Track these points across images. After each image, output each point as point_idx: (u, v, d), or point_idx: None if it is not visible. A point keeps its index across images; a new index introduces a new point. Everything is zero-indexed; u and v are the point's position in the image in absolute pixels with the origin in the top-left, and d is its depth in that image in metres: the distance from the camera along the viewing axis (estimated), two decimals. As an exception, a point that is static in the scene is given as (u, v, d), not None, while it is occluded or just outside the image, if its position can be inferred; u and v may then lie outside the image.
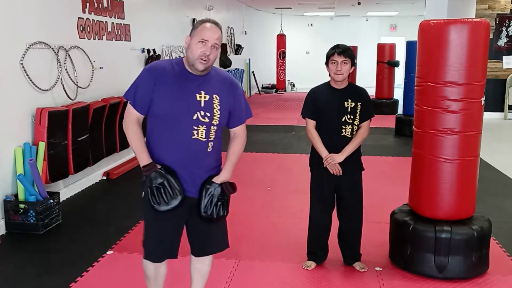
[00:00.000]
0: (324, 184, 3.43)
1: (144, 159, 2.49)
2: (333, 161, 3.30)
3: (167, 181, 2.45)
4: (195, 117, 2.45)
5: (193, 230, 2.64)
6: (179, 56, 8.80)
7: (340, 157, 3.30)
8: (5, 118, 4.28)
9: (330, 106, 3.35)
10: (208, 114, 2.47)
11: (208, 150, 2.53)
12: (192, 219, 2.60)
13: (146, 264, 2.68)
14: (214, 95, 2.49)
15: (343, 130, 3.33)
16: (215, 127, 2.52)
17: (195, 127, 2.46)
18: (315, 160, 3.42)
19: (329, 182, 3.40)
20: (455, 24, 3.17)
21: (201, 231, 2.63)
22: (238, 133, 2.66)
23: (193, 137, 2.47)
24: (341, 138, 3.34)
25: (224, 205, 2.57)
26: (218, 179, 2.55)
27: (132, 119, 2.52)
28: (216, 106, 2.49)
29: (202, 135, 2.48)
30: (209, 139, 2.51)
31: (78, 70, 5.31)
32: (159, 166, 2.47)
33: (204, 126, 2.48)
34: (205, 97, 2.48)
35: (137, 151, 2.51)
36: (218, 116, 2.50)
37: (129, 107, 2.52)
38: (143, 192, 2.53)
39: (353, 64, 3.34)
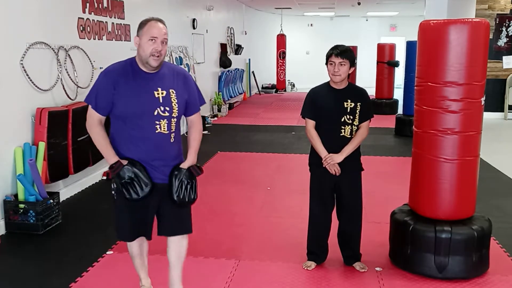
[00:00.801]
0: (323, 184, 3.43)
1: (111, 158, 2.69)
2: (332, 161, 3.30)
3: (135, 175, 2.66)
4: (155, 113, 2.65)
5: (164, 212, 2.83)
6: (178, 57, 8.81)
7: (339, 157, 3.30)
8: (5, 118, 4.28)
9: (329, 106, 3.35)
10: (168, 108, 2.68)
11: (171, 140, 2.75)
12: (164, 203, 2.80)
13: (131, 244, 2.93)
14: (170, 90, 2.70)
15: (343, 130, 3.33)
16: (175, 119, 2.73)
17: (157, 122, 2.67)
18: (315, 160, 3.43)
19: (329, 182, 3.40)
20: (455, 24, 3.17)
21: (171, 213, 2.83)
22: (194, 120, 2.89)
23: (157, 131, 2.67)
24: (340, 138, 3.34)
25: (193, 188, 2.79)
26: (185, 165, 2.78)
27: (94, 121, 2.70)
28: (173, 100, 2.70)
29: (164, 128, 2.69)
30: (171, 131, 2.73)
31: (78, 70, 5.31)
32: (125, 162, 2.67)
33: (165, 119, 2.68)
34: (162, 93, 2.67)
35: (103, 150, 2.71)
36: (177, 108, 2.71)
37: (91, 110, 2.71)
38: (113, 184, 2.76)
39: (353, 65, 3.32)
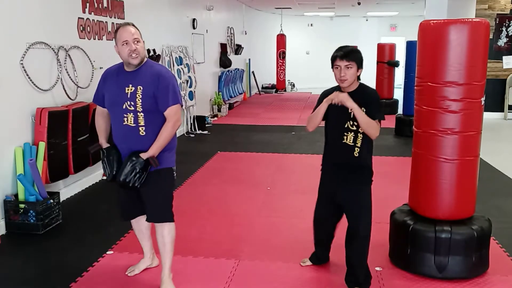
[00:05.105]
0: (324, 189, 3.33)
1: (100, 140, 3.20)
2: (338, 98, 3.00)
3: (106, 160, 3.05)
4: (124, 106, 2.96)
5: (143, 199, 3.13)
6: (178, 57, 8.81)
7: (348, 98, 2.97)
8: (5, 118, 4.28)
9: (334, 111, 3.09)
10: (132, 103, 2.94)
11: (141, 134, 2.98)
12: (141, 191, 3.08)
13: (131, 221, 3.40)
14: (139, 86, 2.95)
15: (345, 137, 3.06)
16: (142, 114, 2.95)
17: (125, 115, 2.96)
18: (323, 165, 3.29)
19: (328, 189, 3.26)
20: (455, 24, 3.17)
21: (148, 201, 3.11)
22: (167, 117, 3.00)
23: (124, 123, 2.97)
24: (342, 146, 3.08)
25: (141, 179, 2.97)
26: (144, 155, 2.94)
27: (97, 111, 3.25)
28: (138, 95, 2.94)
29: (131, 121, 2.96)
30: (139, 124, 2.96)
31: (78, 70, 5.31)
32: (105, 146, 3.11)
33: (131, 113, 2.95)
34: (131, 89, 2.96)
35: (99, 134, 3.24)
36: (140, 104, 2.93)
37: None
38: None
39: (361, 66, 3.04)
